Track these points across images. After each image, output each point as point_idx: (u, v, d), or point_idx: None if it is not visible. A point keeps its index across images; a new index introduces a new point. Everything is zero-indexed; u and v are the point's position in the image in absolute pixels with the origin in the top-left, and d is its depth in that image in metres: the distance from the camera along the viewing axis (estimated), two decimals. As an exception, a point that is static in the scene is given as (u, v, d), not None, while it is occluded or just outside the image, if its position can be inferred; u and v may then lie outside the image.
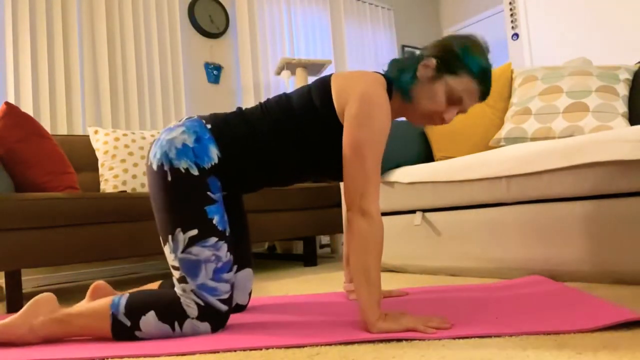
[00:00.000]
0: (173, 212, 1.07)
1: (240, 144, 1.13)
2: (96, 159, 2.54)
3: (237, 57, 3.66)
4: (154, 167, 1.11)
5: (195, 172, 1.08)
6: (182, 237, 1.06)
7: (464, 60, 1.10)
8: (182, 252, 1.06)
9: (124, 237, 1.89)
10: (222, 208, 1.12)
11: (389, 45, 4.67)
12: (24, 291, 2.40)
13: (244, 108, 1.21)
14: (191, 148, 1.10)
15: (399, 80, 1.14)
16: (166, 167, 1.09)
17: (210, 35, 3.51)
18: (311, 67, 3.26)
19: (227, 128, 1.14)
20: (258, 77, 3.64)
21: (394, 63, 1.19)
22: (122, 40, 3.07)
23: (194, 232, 1.06)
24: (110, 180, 2.39)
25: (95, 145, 2.48)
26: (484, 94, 1.14)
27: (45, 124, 2.68)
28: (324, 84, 1.13)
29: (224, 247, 1.09)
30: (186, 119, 1.17)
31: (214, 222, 1.08)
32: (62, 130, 2.74)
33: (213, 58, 3.54)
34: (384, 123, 1.05)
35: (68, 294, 2.16)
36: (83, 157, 2.52)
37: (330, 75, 1.15)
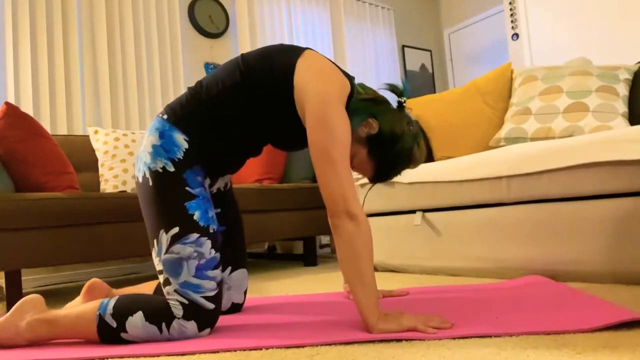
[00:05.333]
0: (156, 214, 1.07)
1: (199, 120, 1.11)
2: (96, 159, 2.54)
3: (237, 57, 3.66)
4: (140, 179, 1.12)
5: (171, 168, 1.08)
6: (165, 238, 1.05)
7: (388, 158, 1.16)
8: (166, 252, 1.05)
9: (124, 237, 1.89)
10: (204, 204, 1.11)
11: (389, 45, 4.68)
12: (24, 291, 2.40)
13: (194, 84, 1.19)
14: (160, 145, 1.10)
15: (351, 118, 1.14)
16: (147, 175, 1.09)
17: (210, 35, 3.51)
18: (311, 67, 3.26)
19: (181, 109, 1.13)
20: (258, 77, 3.64)
21: (362, 89, 1.20)
22: (122, 40, 3.07)
23: (176, 230, 1.05)
24: (110, 180, 2.39)
25: (95, 145, 2.48)
26: (371, 181, 1.23)
27: (45, 124, 2.68)
28: (288, 68, 1.09)
29: (207, 243, 1.07)
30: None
31: (195, 218, 1.07)
32: (62, 130, 2.74)
33: (213, 58, 3.54)
34: (345, 126, 1.04)
35: (68, 294, 2.16)
36: (83, 157, 2.52)
37: (298, 58, 1.10)
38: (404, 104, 1.20)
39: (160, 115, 1.16)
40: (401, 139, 1.15)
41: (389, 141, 1.15)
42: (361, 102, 1.17)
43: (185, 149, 1.10)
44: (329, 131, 1.02)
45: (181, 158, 1.09)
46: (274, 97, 1.10)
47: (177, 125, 1.11)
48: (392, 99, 1.22)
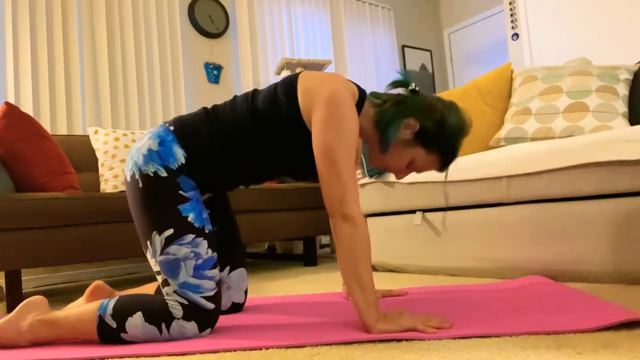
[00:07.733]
0: (147, 216, 1.07)
1: (204, 145, 1.12)
2: (96, 159, 2.54)
3: (237, 57, 3.67)
4: (128, 178, 1.12)
5: (163, 174, 1.08)
6: (158, 239, 1.05)
7: (445, 142, 1.11)
8: (160, 254, 1.05)
9: (124, 237, 1.89)
10: (198, 206, 1.11)
11: (389, 45, 4.67)
12: (24, 291, 2.40)
13: (210, 107, 1.20)
14: (156, 152, 1.10)
15: (385, 132, 1.10)
16: (137, 175, 1.09)
17: (210, 35, 3.51)
18: (311, 67, 3.26)
19: (190, 129, 1.13)
20: (258, 77, 3.64)
21: (376, 98, 1.17)
22: (122, 40, 3.07)
23: (170, 232, 1.05)
24: (110, 180, 2.39)
25: (95, 145, 2.48)
26: (441, 169, 1.17)
27: (45, 124, 2.68)
28: (291, 83, 1.11)
29: (203, 243, 1.08)
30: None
31: (190, 219, 1.07)
32: (62, 130, 2.74)
33: (213, 58, 3.54)
34: (352, 125, 1.03)
35: (68, 294, 2.16)
36: (83, 157, 2.52)
37: (298, 74, 1.13)
38: (417, 89, 1.17)
39: (167, 124, 1.16)
40: (444, 118, 1.11)
41: (437, 127, 1.10)
42: (387, 112, 1.12)
43: (182, 163, 1.11)
44: (337, 131, 1.01)
45: (174, 168, 1.10)
46: (279, 118, 1.10)
47: (181, 141, 1.12)
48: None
